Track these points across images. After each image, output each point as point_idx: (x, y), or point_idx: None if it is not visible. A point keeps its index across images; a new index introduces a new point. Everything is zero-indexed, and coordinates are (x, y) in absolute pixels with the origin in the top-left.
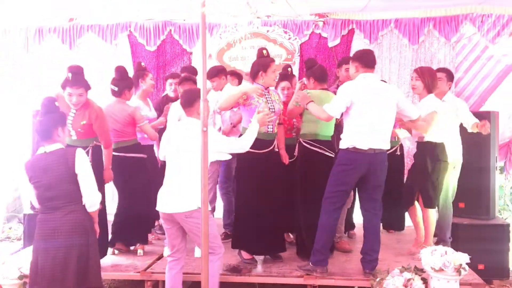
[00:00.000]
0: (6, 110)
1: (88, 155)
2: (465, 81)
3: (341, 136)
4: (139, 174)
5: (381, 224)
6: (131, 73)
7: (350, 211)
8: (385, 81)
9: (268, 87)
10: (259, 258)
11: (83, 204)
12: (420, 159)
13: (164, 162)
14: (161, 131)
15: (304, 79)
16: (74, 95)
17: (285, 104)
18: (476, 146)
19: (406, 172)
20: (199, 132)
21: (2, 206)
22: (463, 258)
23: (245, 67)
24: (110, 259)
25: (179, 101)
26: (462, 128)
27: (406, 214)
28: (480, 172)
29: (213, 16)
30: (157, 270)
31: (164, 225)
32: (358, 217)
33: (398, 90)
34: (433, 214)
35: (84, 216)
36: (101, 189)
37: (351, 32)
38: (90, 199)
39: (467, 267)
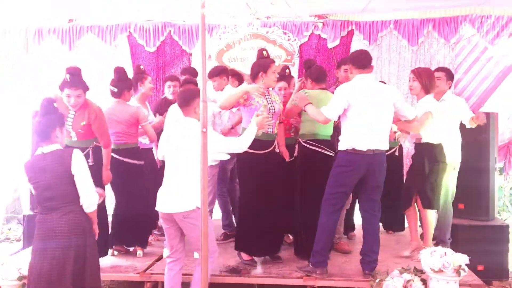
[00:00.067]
0: (6, 110)
1: (89, 156)
2: (464, 82)
3: (340, 138)
4: (136, 179)
5: (381, 225)
6: (131, 74)
7: (351, 212)
8: (384, 82)
9: (268, 88)
10: (259, 259)
11: (81, 205)
12: (418, 161)
13: (163, 163)
14: (159, 132)
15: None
16: (72, 97)
17: (283, 104)
18: (475, 147)
19: (405, 173)
20: (197, 131)
21: (1, 207)
22: (463, 259)
23: (244, 68)
24: (110, 260)
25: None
26: (462, 129)
27: None
28: (479, 173)
29: (213, 17)
30: (156, 271)
31: (163, 224)
32: (358, 219)
33: (395, 90)
34: (431, 215)
35: (82, 217)
36: (102, 188)
37: (350, 33)
38: (87, 200)
39: (466, 268)
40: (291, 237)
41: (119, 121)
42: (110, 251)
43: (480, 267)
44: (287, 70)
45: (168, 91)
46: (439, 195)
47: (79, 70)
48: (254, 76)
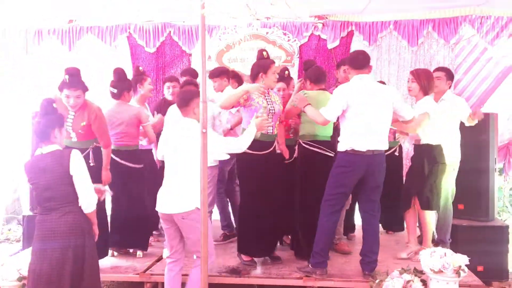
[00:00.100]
0: (6, 111)
1: (89, 157)
2: (464, 82)
3: (339, 139)
4: (136, 181)
5: (381, 225)
6: (131, 74)
7: (351, 213)
8: (383, 82)
9: (268, 89)
10: (258, 259)
11: (80, 205)
12: (418, 162)
13: (163, 163)
14: (158, 134)
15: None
16: (71, 97)
17: (283, 105)
18: (475, 148)
19: (405, 173)
20: (196, 132)
21: (1, 207)
22: (462, 259)
23: (244, 69)
24: (110, 260)
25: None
26: (462, 129)
27: None
28: (479, 173)
29: (213, 18)
30: (156, 272)
31: (163, 225)
32: (358, 219)
33: (394, 90)
34: (430, 216)
35: (81, 217)
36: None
37: (350, 34)
38: (86, 201)
39: (466, 269)
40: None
41: (120, 122)
42: (110, 251)
43: (480, 268)
44: (286, 72)
45: (168, 92)
46: (438, 196)
47: (78, 71)
48: (254, 77)
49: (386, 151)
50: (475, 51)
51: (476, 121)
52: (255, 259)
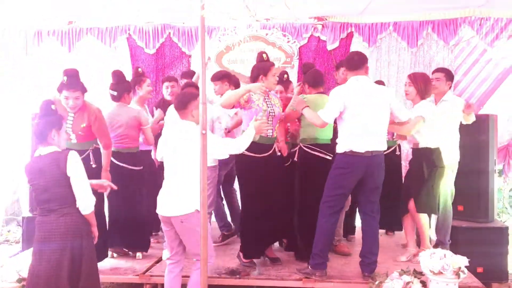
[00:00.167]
0: (6, 111)
1: (89, 158)
2: (463, 84)
3: (337, 140)
4: (136, 183)
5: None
6: (130, 76)
7: (351, 215)
8: (383, 82)
9: (268, 92)
10: (258, 261)
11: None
12: (416, 166)
13: (162, 162)
14: (157, 136)
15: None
16: (70, 98)
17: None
18: (475, 149)
19: (404, 172)
20: (194, 134)
21: (1, 209)
22: (462, 261)
23: (244, 70)
24: (109, 262)
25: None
26: (461, 131)
27: None
28: (478, 175)
29: (212, 19)
30: (156, 273)
31: (163, 227)
32: (358, 221)
33: (390, 91)
34: (424, 218)
35: (79, 219)
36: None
37: (350, 35)
38: (84, 202)
39: (466, 270)
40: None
41: (120, 124)
42: (109, 253)
43: (479, 269)
44: (285, 75)
45: (166, 92)
46: (435, 200)
47: (76, 72)
48: (254, 79)
49: (385, 150)
50: (475, 53)
51: (472, 118)
52: (255, 260)
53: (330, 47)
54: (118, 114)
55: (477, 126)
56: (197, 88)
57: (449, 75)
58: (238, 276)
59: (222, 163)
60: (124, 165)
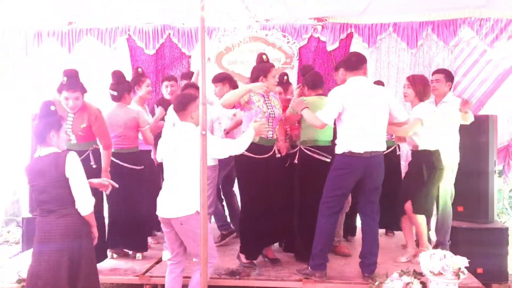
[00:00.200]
0: (6, 111)
1: (89, 159)
2: (463, 85)
3: (336, 141)
4: (136, 183)
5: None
6: (130, 76)
7: (352, 216)
8: (382, 83)
9: (268, 93)
10: (258, 262)
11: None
12: (415, 167)
13: (161, 162)
14: (157, 135)
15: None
16: (70, 99)
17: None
18: (475, 150)
19: (403, 172)
20: (194, 135)
21: (0, 209)
22: (462, 261)
23: (244, 71)
24: (109, 263)
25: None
26: (461, 132)
27: None
28: (478, 175)
29: (213, 18)
30: (155, 274)
31: (164, 228)
32: (359, 222)
33: (389, 91)
34: (421, 218)
35: (77, 220)
36: (100, 191)
37: (349, 36)
38: (83, 203)
39: (466, 271)
40: None
41: (119, 124)
42: (109, 254)
43: (479, 270)
44: (285, 77)
45: (166, 91)
46: (432, 202)
47: (76, 73)
48: (254, 81)
49: (384, 151)
50: (475, 53)
51: (470, 117)
52: (255, 261)
53: (330, 47)
54: (117, 115)
55: (477, 127)
56: (197, 88)
57: (449, 76)
58: (238, 277)
59: (221, 163)
60: (124, 164)
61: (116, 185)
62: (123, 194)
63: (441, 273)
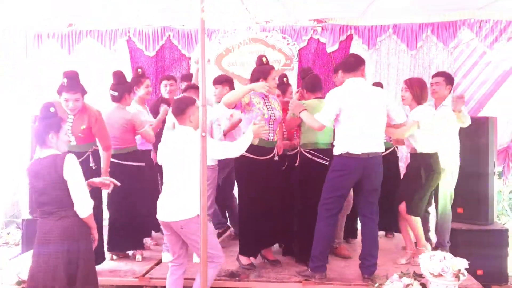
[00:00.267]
0: (5, 111)
1: (89, 161)
2: (463, 86)
3: (334, 142)
4: (136, 181)
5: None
6: (130, 78)
7: (354, 218)
8: (381, 84)
9: (268, 95)
10: (258, 263)
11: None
12: (414, 170)
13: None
14: (158, 135)
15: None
16: (70, 100)
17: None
18: (474, 152)
19: (402, 174)
20: (192, 139)
21: (0, 211)
22: (462, 263)
23: (244, 73)
24: (109, 264)
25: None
26: (461, 134)
27: None
28: (478, 177)
29: (212, 20)
30: (155, 276)
31: (164, 231)
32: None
33: (387, 93)
34: (417, 218)
35: (76, 222)
36: (99, 193)
37: (349, 38)
38: (81, 206)
39: (466, 273)
40: None
41: (115, 126)
42: (109, 255)
43: (479, 271)
44: (285, 79)
45: (164, 90)
46: (424, 204)
47: (76, 74)
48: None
49: (382, 152)
50: (474, 55)
51: (466, 119)
52: (254, 263)
53: (329, 49)
54: (114, 117)
55: (477, 129)
56: (198, 89)
57: (449, 79)
58: (237, 278)
59: (220, 164)
60: (123, 162)
61: (118, 183)
62: (124, 194)
63: (441, 275)
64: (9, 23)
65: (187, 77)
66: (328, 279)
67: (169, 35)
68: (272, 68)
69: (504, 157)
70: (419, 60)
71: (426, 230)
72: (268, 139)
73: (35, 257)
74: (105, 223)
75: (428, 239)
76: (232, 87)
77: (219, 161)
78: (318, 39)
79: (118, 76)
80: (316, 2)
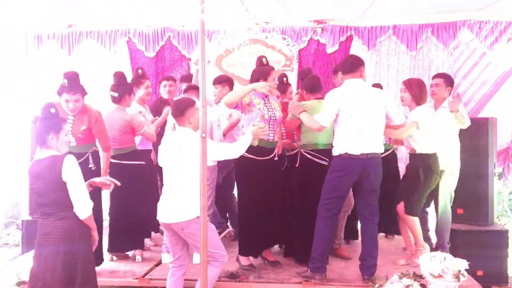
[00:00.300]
0: (5, 111)
1: (89, 161)
2: (463, 87)
3: (333, 143)
4: (136, 181)
5: (381, 229)
6: (130, 79)
7: (355, 219)
8: (380, 85)
9: (268, 96)
10: (258, 264)
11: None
12: (413, 171)
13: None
14: (159, 136)
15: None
16: (70, 101)
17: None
18: (474, 152)
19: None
20: (192, 141)
21: (0, 212)
22: (462, 264)
23: (244, 73)
24: (108, 265)
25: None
26: (461, 134)
27: None
28: (478, 178)
29: (212, 20)
30: (155, 277)
31: (165, 232)
32: None
33: (386, 94)
34: (415, 218)
35: (75, 223)
36: (98, 194)
37: (349, 39)
38: (80, 207)
39: (466, 273)
40: None
41: (114, 128)
42: (109, 256)
43: (479, 272)
44: (285, 79)
45: (164, 91)
46: (421, 204)
47: (76, 75)
48: None
49: (382, 153)
50: (474, 56)
51: (465, 120)
52: (254, 263)
53: (329, 50)
54: (112, 117)
55: (477, 129)
56: (198, 90)
57: (449, 80)
58: (237, 279)
59: (220, 165)
60: (122, 161)
61: (118, 183)
62: (124, 193)
63: (441, 276)
64: (9, 23)
65: (187, 78)
66: (328, 280)
67: (169, 36)
68: (272, 68)
69: (504, 158)
70: (419, 61)
71: (425, 230)
72: (268, 139)
73: (36, 257)
74: (105, 223)
75: (427, 239)
76: (231, 87)
77: (218, 161)
78: (318, 40)
79: (119, 77)
80: (316, 2)
